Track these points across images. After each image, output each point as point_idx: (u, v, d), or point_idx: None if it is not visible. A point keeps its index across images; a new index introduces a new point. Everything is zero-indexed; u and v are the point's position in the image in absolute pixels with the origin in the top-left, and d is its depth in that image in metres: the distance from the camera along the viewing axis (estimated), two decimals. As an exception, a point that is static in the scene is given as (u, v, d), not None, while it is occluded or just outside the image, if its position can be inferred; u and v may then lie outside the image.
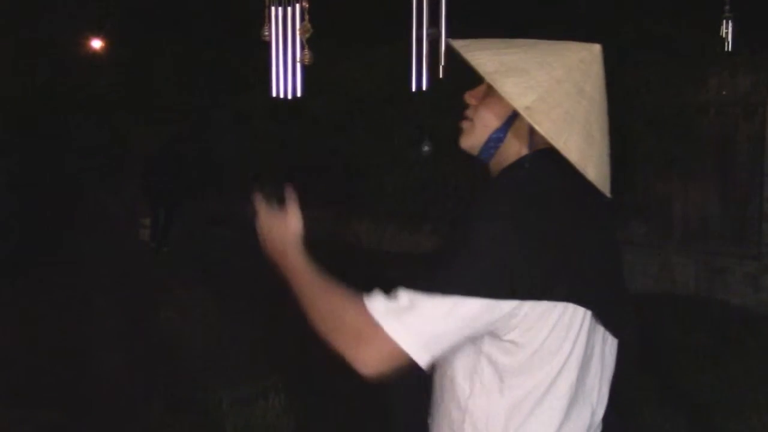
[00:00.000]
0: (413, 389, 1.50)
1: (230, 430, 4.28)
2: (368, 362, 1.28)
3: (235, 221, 11.24)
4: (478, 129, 1.46)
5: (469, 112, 1.49)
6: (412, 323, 1.25)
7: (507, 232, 1.28)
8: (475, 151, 1.48)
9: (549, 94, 1.33)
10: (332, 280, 1.37)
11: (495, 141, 1.44)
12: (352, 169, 9.48)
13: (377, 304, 1.28)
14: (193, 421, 4.35)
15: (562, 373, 1.34)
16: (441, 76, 1.92)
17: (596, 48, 1.40)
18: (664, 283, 7.60)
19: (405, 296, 1.27)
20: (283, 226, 1.48)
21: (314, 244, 1.51)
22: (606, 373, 1.44)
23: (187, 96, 11.23)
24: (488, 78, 1.35)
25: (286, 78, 2.13)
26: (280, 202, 1.50)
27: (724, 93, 7.41)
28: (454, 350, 1.33)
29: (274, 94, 2.21)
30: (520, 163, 1.40)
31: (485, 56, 1.38)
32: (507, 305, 1.27)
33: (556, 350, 1.32)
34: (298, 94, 1.89)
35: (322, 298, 1.36)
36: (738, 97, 7.34)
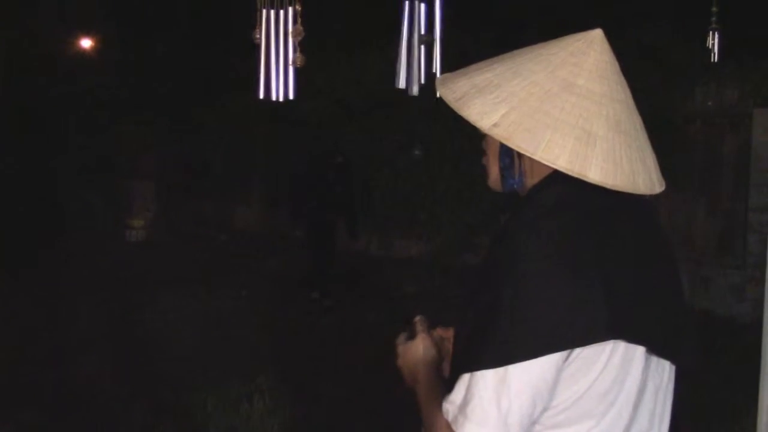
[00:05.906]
0: None
1: (214, 433, 4.27)
2: None
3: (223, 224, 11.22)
4: (489, 164, 1.36)
5: (484, 147, 1.38)
6: (477, 412, 1.20)
7: (540, 280, 1.18)
8: (499, 188, 1.37)
9: (524, 102, 1.24)
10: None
11: (508, 170, 1.32)
12: (341, 174, 9.44)
13: (446, 407, 1.24)
14: (177, 423, 4.34)
15: (613, 414, 1.24)
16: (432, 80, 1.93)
17: (593, 34, 1.29)
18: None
19: (463, 386, 1.22)
20: (417, 352, 1.44)
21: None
22: (664, 405, 1.34)
23: (175, 95, 11.19)
24: (453, 106, 1.28)
25: (278, 80, 2.14)
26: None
27: (710, 104, 7.48)
28: (539, 410, 1.22)
29: (262, 97, 2.21)
30: (533, 193, 1.28)
31: (459, 83, 1.30)
32: (560, 356, 1.18)
33: (606, 392, 1.23)
34: (290, 97, 1.90)
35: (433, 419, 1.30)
36: (724, 109, 7.41)
